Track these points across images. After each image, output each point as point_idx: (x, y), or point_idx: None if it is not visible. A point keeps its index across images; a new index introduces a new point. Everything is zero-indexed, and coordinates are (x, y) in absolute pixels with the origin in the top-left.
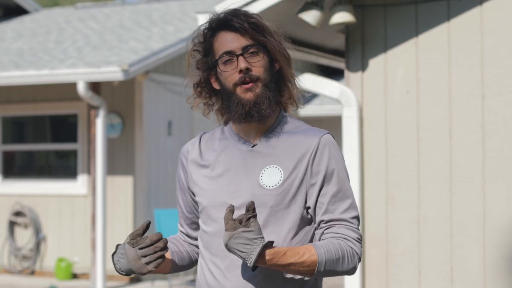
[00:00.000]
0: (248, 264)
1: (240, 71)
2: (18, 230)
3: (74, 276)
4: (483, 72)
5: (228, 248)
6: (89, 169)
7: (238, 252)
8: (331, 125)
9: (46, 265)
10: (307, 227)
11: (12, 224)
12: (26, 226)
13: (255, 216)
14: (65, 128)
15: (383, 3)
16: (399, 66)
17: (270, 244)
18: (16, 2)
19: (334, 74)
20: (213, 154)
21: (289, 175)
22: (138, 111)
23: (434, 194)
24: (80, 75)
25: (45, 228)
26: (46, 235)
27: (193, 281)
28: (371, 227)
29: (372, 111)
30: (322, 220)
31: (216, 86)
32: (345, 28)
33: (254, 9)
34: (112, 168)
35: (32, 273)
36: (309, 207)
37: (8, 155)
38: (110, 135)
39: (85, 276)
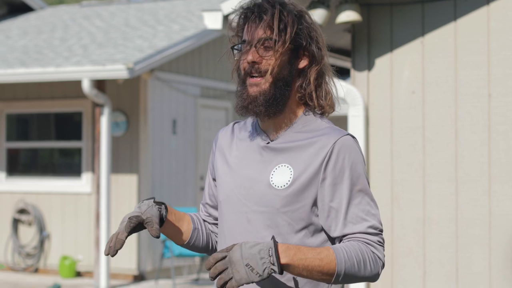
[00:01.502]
0: (274, 268)
1: (248, 62)
2: (22, 228)
3: (78, 274)
4: (489, 73)
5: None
6: (94, 167)
7: (258, 262)
8: (337, 124)
9: (50, 263)
10: (318, 235)
11: (16, 222)
12: (30, 224)
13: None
14: (69, 126)
15: (390, 2)
16: (405, 65)
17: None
18: (22, 0)
19: (340, 73)
20: (238, 145)
21: (299, 175)
22: (143, 109)
23: (440, 194)
24: (85, 73)
25: (49, 226)
26: (50, 233)
27: (197, 280)
28: None
29: (378, 110)
30: (344, 235)
31: None
32: (351, 27)
33: None
34: (116, 166)
35: (36, 271)
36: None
37: (13, 153)
38: (115, 133)
39: (89, 274)
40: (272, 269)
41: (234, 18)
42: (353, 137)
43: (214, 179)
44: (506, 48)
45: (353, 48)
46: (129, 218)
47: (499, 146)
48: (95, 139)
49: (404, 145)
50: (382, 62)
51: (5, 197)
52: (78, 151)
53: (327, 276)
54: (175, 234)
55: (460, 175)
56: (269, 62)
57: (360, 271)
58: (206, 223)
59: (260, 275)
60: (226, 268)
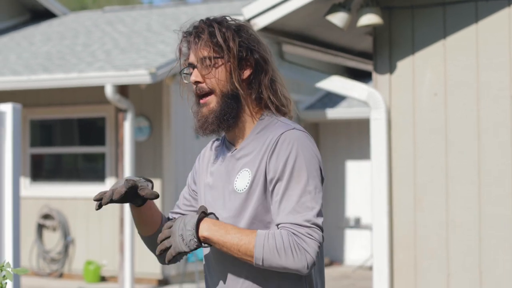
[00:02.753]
0: (194, 237)
1: (192, 83)
2: (46, 233)
3: (103, 279)
4: (511, 74)
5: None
6: (117, 172)
7: (186, 234)
8: (360, 127)
9: (74, 267)
10: None
11: (40, 227)
12: (54, 229)
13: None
14: (93, 131)
15: (411, 5)
16: (427, 68)
17: (205, 215)
18: (45, 6)
19: (362, 76)
20: (213, 160)
21: (254, 175)
22: (166, 114)
23: (462, 197)
24: (108, 78)
25: (73, 231)
26: (74, 238)
27: None
28: (399, 230)
29: (400, 113)
30: (277, 224)
31: None
32: (373, 30)
33: (281, 11)
34: (140, 171)
35: (61, 276)
36: None
37: (37, 158)
38: (138, 138)
39: (113, 279)
40: (193, 240)
41: (182, 44)
42: (303, 131)
43: (193, 191)
44: None
45: (374, 51)
46: (126, 180)
47: None
48: (118, 144)
49: (427, 147)
50: (403, 65)
51: (29, 203)
52: (102, 156)
53: (246, 256)
54: (146, 220)
55: (483, 177)
56: (212, 80)
57: (281, 258)
58: None
59: (188, 246)
60: (168, 237)
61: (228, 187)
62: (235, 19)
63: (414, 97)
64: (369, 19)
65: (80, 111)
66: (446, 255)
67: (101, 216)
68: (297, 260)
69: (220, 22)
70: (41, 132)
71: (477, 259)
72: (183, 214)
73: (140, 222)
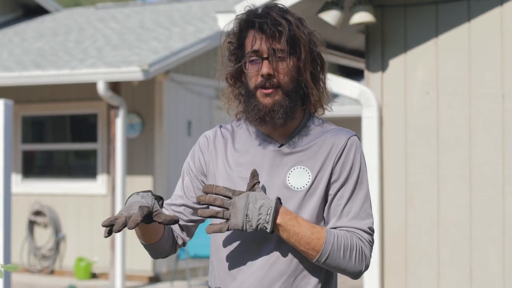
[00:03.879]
0: (267, 226)
1: (262, 75)
2: (37, 230)
3: (93, 275)
4: (503, 73)
5: (246, 211)
6: (109, 169)
7: (255, 216)
8: (351, 125)
9: (65, 264)
10: None
11: (31, 224)
12: (45, 226)
13: (259, 182)
14: (85, 128)
15: (403, 3)
16: (419, 66)
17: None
18: (37, 2)
19: (354, 74)
20: (235, 150)
21: (316, 176)
22: (158, 111)
23: (454, 195)
24: (100, 75)
25: (65, 228)
26: (66, 235)
27: None
28: (390, 228)
29: (392, 111)
30: (337, 227)
31: (243, 79)
32: (365, 28)
33: None
34: (131, 168)
35: (52, 272)
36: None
37: (28, 155)
38: (130, 135)
39: (104, 275)
40: (265, 226)
41: (237, 26)
42: (359, 137)
43: (201, 181)
44: None
45: (367, 49)
46: (140, 207)
47: None
48: (110, 141)
49: (418, 146)
50: (396, 63)
51: (21, 199)
52: (94, 153)
53: (312, 251)
54: (151, 231)
55: (474, 176)
56: (282, 75)
57: (345, 259)
58: (175, 227)
59: (252, 228)
60: (226, 209)
61: (274, 182)
62: (292, 12)
63: (406, 96)
64: (362, 17)
65: (72, 108)
66: (437, 254)
67: (92, 213)
68: (357, 264)
69: (291, 14)
70: (32, 129)
71: (467, 257)
72: (188, 206)
73: (144, 234)
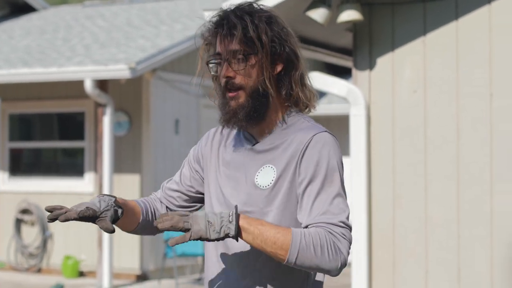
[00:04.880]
0: (231, 227)
1: (222, 77)
2: (24, 228)
3: (81, 274)
4: (491, 71)
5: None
6: (96, 167)
7: (217, 221)
8: (339, 124)
9: (52, 262)
10: None
11: (18, 222)
12: (32, 224)
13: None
14: (72, 125)
15: (391, 1)
16: (406, 65)
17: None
18: (24, 0)
19: (342, 72)
20: (227, 148)
21: (280, 174)
22: (145, 109)
23: (441, 194)
24: (87, 73)
25: (52, 226)
26: (53, 233)
27: (199, 280)
28: (378, 227)
29: (379, 109)
30: (307, 225)
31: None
32: (353, 26)
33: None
34: (119, 166)
35: (39, 270)
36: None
37: (15, 153)
38: (117, 133)
39: (91, 274)
40: (229, 227)
41: (205, 32)
42: (333, 135)
43: (196, 171)
44: (507, 46)
45: (354, 47)
46: (86, 207)
47: (501, 145)
48: (97, 139)
49: (406, 144)
50: (383, 62)
51: (8, 197)
52: (81, 151)
53: (281, 250)
54: (125, 221)
55: (462, 174)
56: (243, 76)
57: (317, 256)
58: (157, 204)
59: (217, 232)
60: (185, 221)
61: (246, 180)
62: (263, 8)
63: (394, 94)
64: (349, 15)
65: (60, 106)
66: (424, 252)
67: None
68: (332, 259)
69: (251, 13)
70: (20, 126)
71: (455, 256)
72: (182, 192)
73: (119, 225)
